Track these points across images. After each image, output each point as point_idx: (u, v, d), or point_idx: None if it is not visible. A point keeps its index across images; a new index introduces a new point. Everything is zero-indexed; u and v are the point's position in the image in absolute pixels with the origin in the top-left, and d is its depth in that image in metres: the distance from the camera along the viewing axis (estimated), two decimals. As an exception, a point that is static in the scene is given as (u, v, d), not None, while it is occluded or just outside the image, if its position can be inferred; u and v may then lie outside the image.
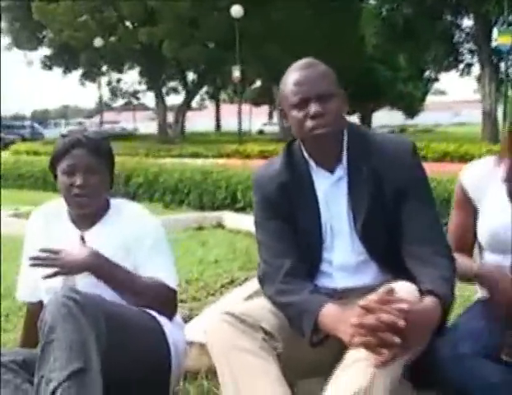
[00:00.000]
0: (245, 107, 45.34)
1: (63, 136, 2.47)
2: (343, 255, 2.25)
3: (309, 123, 2.14)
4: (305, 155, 2.26)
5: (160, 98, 40.25)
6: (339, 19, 29.04)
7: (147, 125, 54.01)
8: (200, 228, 7.00)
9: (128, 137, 38.31)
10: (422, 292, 1.96)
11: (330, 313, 1.98)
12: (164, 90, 41.43)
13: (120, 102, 49.73)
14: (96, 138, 2.42)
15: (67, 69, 40.53)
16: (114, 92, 44.61)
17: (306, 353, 2.08)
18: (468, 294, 2.63)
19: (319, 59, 2.26)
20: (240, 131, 28.78)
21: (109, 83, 44.31)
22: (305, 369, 2.23)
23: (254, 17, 28.73)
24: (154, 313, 2.36)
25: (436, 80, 28.62)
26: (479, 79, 25.92)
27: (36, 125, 52.06)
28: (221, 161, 12.62)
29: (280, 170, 2.28)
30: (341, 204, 2.23)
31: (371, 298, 1.85)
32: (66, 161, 2.38)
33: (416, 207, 2.17)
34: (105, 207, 2.49)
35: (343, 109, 2.23)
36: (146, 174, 9.30)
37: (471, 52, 28.97)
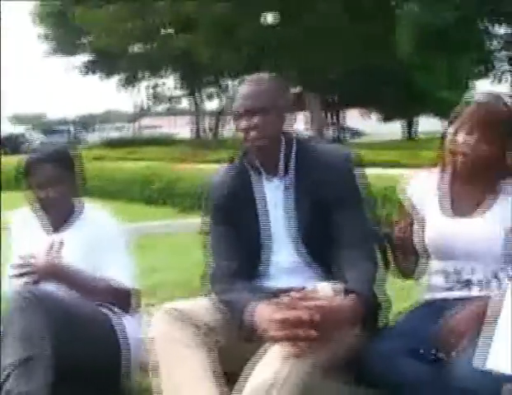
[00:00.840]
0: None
1: (31, 151, 2.74)
2: (285, 258, 2.42)
3: (246, 135, 2.32)
4: (252, 162, 2.43)
5: (195, 103, 40.72)
6: (377, 25, 28.96)
7: (187, 130, 54.56)
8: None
9: (166, 142, 38.64)
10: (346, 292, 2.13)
11: (256, 310, 2.14)
12: (202, 95, 41.80)
13: (161, 107, 50.28)
14: (59, 151, 2.69)
15: (106, 75, 41.19)
16: (154, 97, 45.11)
17: (247, 347, 2.24)
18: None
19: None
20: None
21: (149, 88, 44.80)
22: (247, 362, 2.40)
23: (290, 24, 28.85)
24: (109, 309, 2.58)
25: (469, 88, 28.39)
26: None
27: (78, 130, 52.93)
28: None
29: (228, 177, 2.47)
30: (284, 210, 2.40)
31: (292, 295, 2.03)
32: (33, 176, 2.64)
33: (348, 214, 2.33)
34: (73, 212, 2.72)
35: (284, 122, 2.40)
36: (164, 180, 9.56)
37: (505, 60, 28.90)
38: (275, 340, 2.04)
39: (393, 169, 10.43)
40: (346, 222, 2.32)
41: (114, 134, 48.32)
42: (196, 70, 35.30)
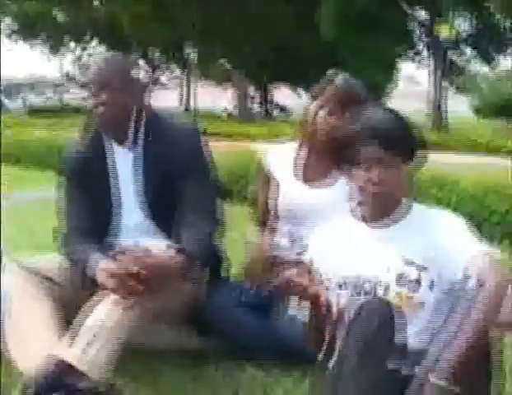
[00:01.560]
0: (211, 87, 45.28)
1: None
2: (133, 220, 2.68)
3: (96, 109, 2.55)
4: (104, 132, 2.65)
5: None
6: (304, 4, 29.20)
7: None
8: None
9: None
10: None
11: (97, 264, 2.39)
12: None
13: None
14: None
15: (30, 40, 40.13)
16: (81, 67, 44.23)
17: (89, 298, 2.46)
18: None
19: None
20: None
21: (76, 57, 43.89)
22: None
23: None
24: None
25: (393, 68, 29.39)
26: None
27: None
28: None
29: (83, 143, 2.69)
30: (133, 175, 2.65)
31: (127, 252, 2.28)
32: None
33: (190, 181, 2.60)
34: None
35: (133, 97, 2.62)
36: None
37: (424, 42, 30.10)
38: (109, 290, 2.28)
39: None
40: (188, 188, 2.60)
41: (38, 102, 47.16)
42: (123, 41, 34.89)
